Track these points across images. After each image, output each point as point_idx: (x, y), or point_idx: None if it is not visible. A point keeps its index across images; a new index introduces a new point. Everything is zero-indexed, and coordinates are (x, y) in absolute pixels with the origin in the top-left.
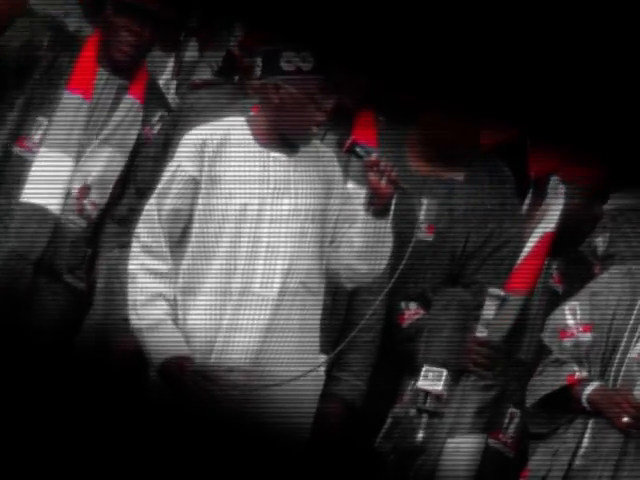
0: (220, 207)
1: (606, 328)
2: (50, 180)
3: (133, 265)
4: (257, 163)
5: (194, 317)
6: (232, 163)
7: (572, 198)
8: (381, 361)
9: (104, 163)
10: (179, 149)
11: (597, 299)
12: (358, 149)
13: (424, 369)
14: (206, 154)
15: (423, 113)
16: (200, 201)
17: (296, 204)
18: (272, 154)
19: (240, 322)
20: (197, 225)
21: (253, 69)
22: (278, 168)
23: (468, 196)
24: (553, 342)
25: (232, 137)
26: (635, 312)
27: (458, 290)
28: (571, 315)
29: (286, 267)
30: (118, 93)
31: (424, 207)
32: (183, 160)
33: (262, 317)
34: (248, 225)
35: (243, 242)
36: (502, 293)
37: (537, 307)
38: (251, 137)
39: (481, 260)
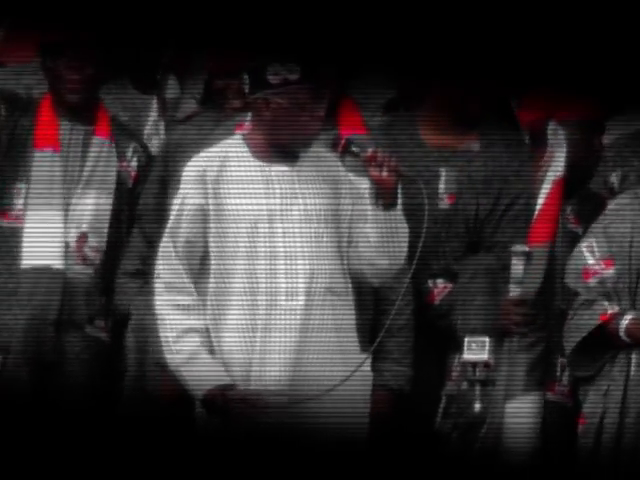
0: (232, 227)
1: (626, 258)
2: (45, 239)
3: (159, 304)
4: (260, 179)
5: (230, 322)
6: (235, 184)
7: (572, 138)
8: (423, 343)
9: (92, 207)
10: (182, 183)
11: (611, 231)
12: (353, 147)
13: (466, 341)
14: (208, 181)
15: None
16: (212, 226)
17: (306, 210)
18: (273, 167)
19: (274, 323)
20: (214, 249)
21: (230, 90)
22: (282, 179)
23: (485, 164)
24: (578, 284)
25: (231, 158)
26: None
27: (481, 256)
28: (590, 253)
29: (308, 270)
30: (85, 138)
31: (443, 178)
32: (187, 192)
33: (294, 318)
34: (262, 240)
35: (260, 253)
36: (526, 248)
37: (562, 253)
38: (250, 154)
39: (496, 221)
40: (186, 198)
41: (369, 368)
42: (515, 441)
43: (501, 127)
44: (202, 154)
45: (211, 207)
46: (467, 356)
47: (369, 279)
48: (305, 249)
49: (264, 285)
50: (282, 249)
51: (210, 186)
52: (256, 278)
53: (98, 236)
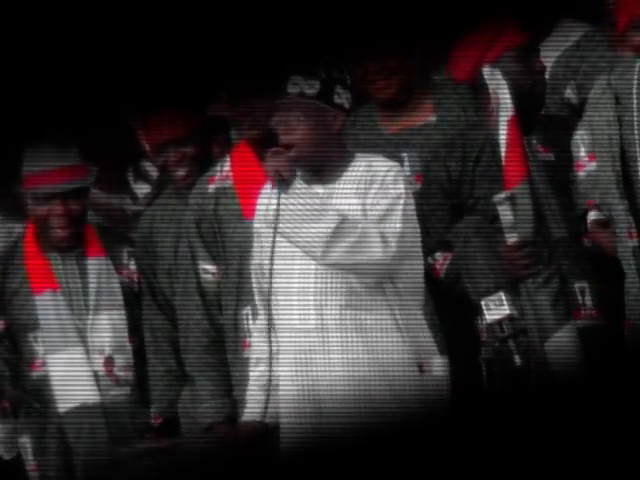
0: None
1: (607, 154)
2: (74, 377)
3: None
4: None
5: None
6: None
7: (509, 71)
8: (448, 319)
9: (109, 328)
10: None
11: (595, 120)
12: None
13: (483, 303)
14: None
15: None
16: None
17: None
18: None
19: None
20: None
21: (171, 163)
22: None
23: (445, 132)
24: (575, 175)
25: None
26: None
27: (468, 218)
28: (582, 144)
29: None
30: (80, 264)
31: (406, 161)
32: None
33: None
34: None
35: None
36: (507, 194)
37: (542, 184)
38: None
39: (470, 178)
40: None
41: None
42: (566, 376)
43: (454, 90)
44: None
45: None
46: (489, 317)
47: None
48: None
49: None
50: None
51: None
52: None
53: (123, 353)
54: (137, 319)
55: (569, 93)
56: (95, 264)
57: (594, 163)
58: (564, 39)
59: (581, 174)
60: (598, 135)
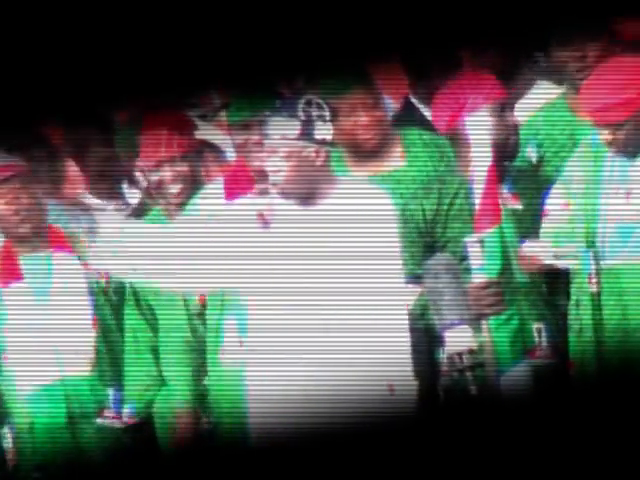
0: None
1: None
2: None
3: None
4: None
5: None
6: None
7: (488, 122)
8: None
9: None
10: None
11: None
12: None
13: (446, 335)
14: None
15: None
16: None
17: None
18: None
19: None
20: None
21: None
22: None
23: (413, 178)
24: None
25: None
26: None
27: (439, 256)
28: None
29: None
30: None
31: None
32: None
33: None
34: None
35: None
36: (478, 237)
37: (509, 230)
38: None
39: (443, 220)
40: None
41: None
42: (517, 408)
43: (420, 137)
44: None
45: None
46: (450, 348)
47: None
48: None
49: None
50: None
51: None
52: None
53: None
54: (103, 315)
55: (530, 151)
56: (62, 258)
57: (568, 211)
58: (539, 99)
59: (550, 219)
60: (576, 187)
